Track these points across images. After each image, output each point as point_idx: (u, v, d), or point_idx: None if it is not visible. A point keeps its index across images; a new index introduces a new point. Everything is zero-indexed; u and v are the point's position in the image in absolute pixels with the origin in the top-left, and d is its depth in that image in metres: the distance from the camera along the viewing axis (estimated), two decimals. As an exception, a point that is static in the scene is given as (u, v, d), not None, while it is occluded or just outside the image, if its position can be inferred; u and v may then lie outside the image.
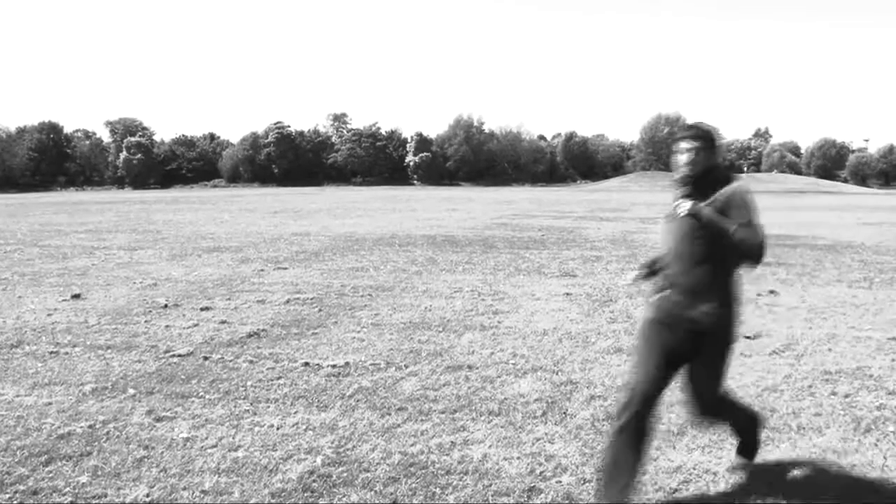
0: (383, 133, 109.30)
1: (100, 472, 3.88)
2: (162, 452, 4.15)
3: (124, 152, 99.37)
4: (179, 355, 6.27)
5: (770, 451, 4.18)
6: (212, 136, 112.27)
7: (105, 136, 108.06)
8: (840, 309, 8.39)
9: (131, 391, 5.28)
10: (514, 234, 18.30)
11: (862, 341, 6.81)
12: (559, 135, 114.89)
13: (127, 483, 3.76)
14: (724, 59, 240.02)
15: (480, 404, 4.99)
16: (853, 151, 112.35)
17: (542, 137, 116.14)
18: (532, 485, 3.75)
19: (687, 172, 3.44)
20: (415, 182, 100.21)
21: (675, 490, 3.71)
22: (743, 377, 5.62)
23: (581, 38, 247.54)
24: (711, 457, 4.11)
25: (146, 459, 4.05)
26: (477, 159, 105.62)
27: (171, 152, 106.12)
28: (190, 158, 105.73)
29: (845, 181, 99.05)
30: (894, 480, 3.82)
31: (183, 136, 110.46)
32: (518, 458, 4.09)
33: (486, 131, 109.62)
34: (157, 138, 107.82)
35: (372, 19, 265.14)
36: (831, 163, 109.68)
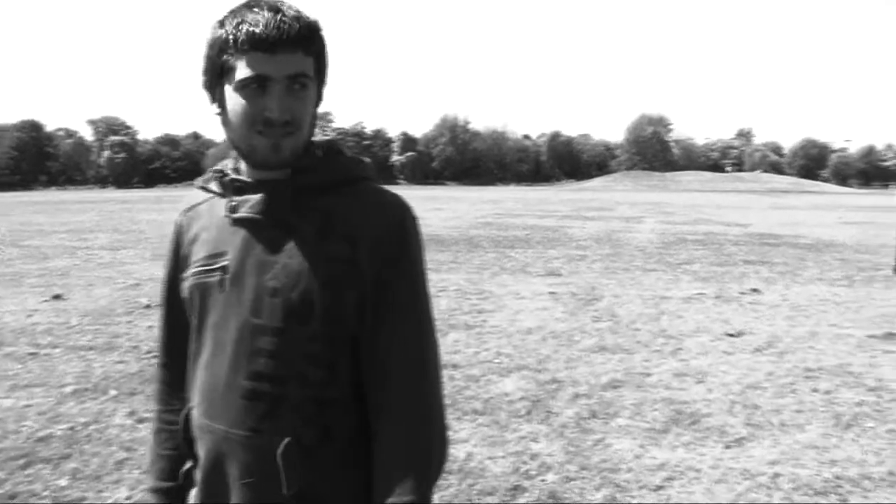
0: (368, 132, 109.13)
1: (79, 475, 3.83)
2: (143, 454, 4.10)
3: (107, 151, 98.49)
4: (162, 356, 6.21)
5: (753, 448, 4.21)
6: (196, 136, 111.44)
7: (87, 134, 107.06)
8: (821, 307, 8.47)
9: (113, 392, 5.23)
10: (498, 234, 18.32)
11: (842, 339, 6.87)
12: (544, 134, 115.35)
13: (108, 486, 3.72)
14: (708, 59, 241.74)
15: (465, 403, 4.98)
16: (834, 152, 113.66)
17: (527, 137, 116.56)
18: (516, 483, 3.74)
19: (280, 156, 1.27)
20: (400, 181, 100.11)
21: (660, 487, 3.72)
22: (726, 375, 5.66)
23: (567, 37, 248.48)
24: (695, 454, 4.13)
25: (128, 461, 4.01)
26: (462, 159, 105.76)
27: (155, 151, 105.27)
28: (174, 158, 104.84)
29: (827, 181, 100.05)
30: (874, 475, 3.85)
31: (167, 135, 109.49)
32: (502, 456, 4.09)
33: (472, 130, 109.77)
34: (140, 137, 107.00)
35: (356, 17, 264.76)
36: (813, 163, 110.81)
